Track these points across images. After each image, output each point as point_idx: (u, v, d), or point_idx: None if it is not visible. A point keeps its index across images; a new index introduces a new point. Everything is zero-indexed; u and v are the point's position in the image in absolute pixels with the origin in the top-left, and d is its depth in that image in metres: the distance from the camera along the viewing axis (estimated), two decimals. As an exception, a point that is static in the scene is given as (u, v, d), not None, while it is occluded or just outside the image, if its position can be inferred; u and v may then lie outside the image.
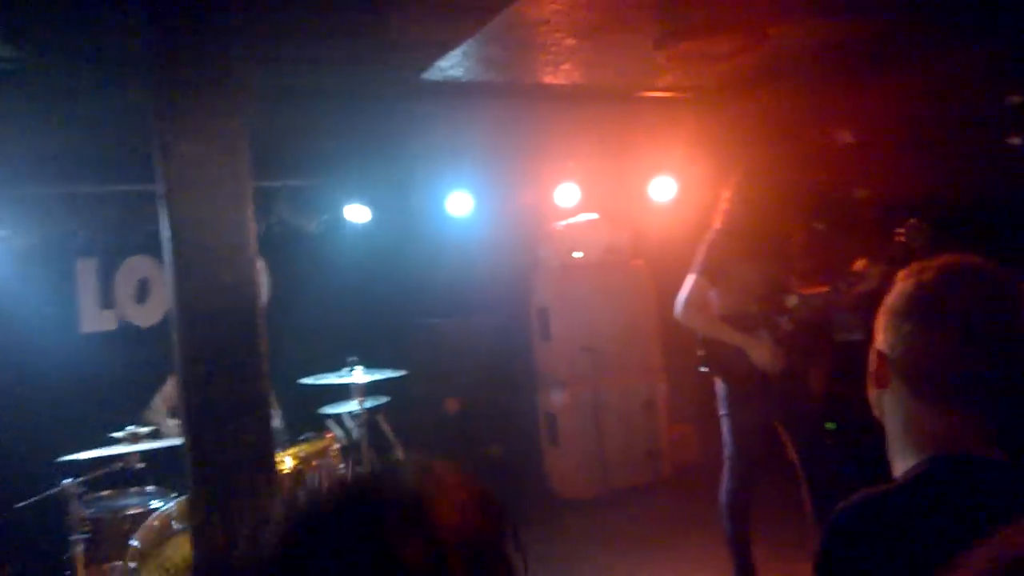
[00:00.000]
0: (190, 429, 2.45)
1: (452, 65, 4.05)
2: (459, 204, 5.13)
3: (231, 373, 2.33)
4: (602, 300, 5.37)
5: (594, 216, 5.54)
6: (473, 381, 5.32)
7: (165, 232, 2.45)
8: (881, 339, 1.23)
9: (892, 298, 1.23)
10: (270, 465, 2.47)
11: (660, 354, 5.48)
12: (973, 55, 4.27)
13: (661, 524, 4.75)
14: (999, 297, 1.15)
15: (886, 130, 5.06)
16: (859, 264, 3.37)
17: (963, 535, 1.04)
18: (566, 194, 5.31)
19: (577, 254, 5.44)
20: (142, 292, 4.81)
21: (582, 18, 3.51)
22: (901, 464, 1.21)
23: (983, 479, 1.14)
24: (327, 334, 4.76)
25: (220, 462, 2.32)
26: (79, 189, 4.30)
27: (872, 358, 1.24)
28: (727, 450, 3.56)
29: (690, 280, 3.59)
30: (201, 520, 2.41)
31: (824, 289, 3.48)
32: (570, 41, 3.80)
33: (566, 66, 4.16)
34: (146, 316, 4.80)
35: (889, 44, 4.13)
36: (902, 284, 1.23)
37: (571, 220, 5.53)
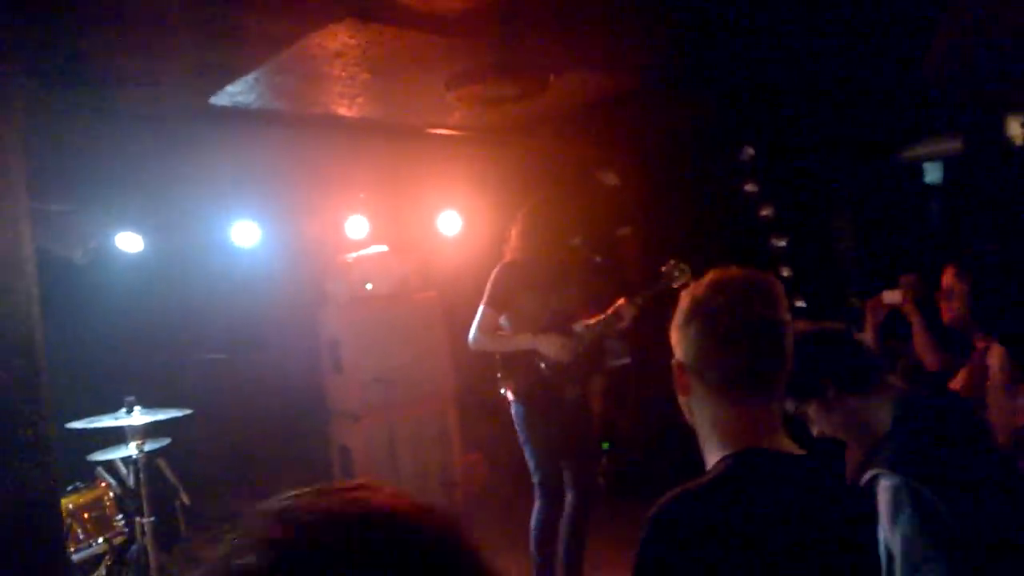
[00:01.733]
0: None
1: (242, 91, 3.97)
2: (245, 234, 4.95)
3: (8, 417, 2.10)
4: (393, 332, 5.43)
5: (384, 248, 5.62)
6: (262, 417, 5.11)
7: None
8: (677, 351, 1.42)
9: (677, 313, 1.43)
10: (57, 518, 2.23)
11: (452, 384, 5.64)
12: (712, 111, 5.00)
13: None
14: (751, 296, 1.37)
15: (645, 174, 5.72)
16: (619, 303, 3.74)
17: (761, 525, 1.24)
18: (356, 226, 5.34)
19: (368, 286, 5.47)
20: None
21: (376, 54, 3.63)
22: (712, 461, 1.37)
23: (771, 472, 1.32)
24: (98, 373, 4.35)
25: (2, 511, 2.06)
26: None
27: (674, 370, 1.42)
28: (535, 477, 3.72)
29: (479, 311, 3.79)
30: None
31: (599, 318, 3.80)
32: (364, 75, 3.90)
33: (359, 100, 4.25)
34: None
35: (650, 97, 4.71)
36: (682, 300, 1.44)
37: (361, 252, 5.56)
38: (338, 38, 3.39)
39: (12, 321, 2.16)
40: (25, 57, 2.51)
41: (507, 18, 3.34)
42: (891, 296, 3.48)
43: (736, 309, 1.36)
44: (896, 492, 1.63)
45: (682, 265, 3.73)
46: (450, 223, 5.59)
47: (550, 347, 3.65)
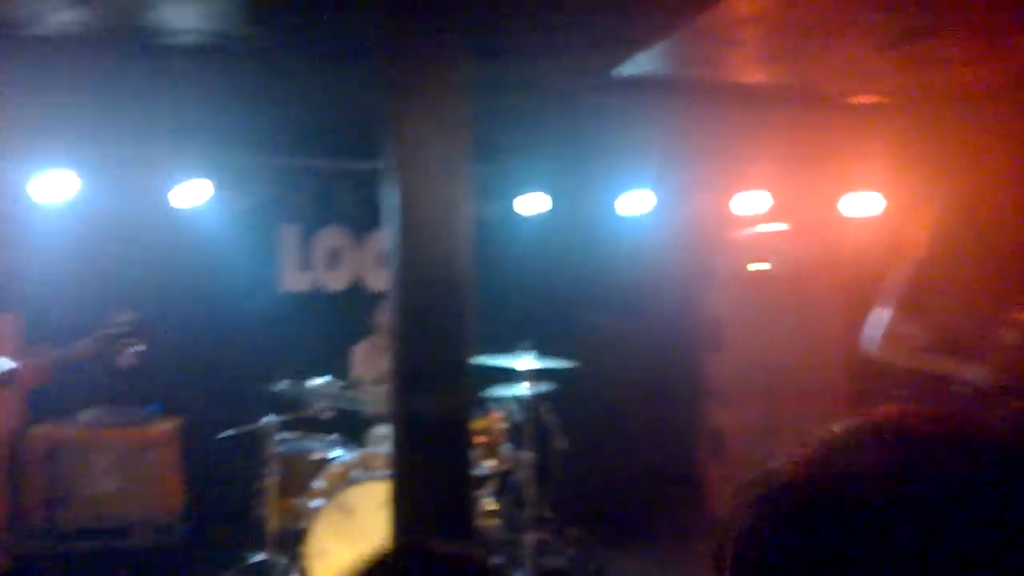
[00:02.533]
0: (397, 388, 2.60)
1: (649, 60, 4.01)
2: (639, 203, 5.06)
3: (439, 338, 2.47)
4: (783, 317, 5.10)
5: (782, 226, 5.28)
6: (640, 383, 5.25)
7: (394, 206, 2.62)
8: None
9: None
10: (467, 432, 2.61)
11: (845, 379, 5.10)
12: None
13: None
14: None
15: None
16: None
17: None
18: (755, 201, 5.09)
19: (760, 265, 5.20)
20: (333, 260, 5.21)
21: (798, 16, 3.35)
22: None
23: None
24: (502, 318, 4.87)
25: (423, 423, 2.46)
26: (293, 162, 4.68)
27: None
28: None
29: (883, 312, 3.34)
30: (404, 477, 2.55)
31: None
32: (782, 40, 3.64)
33: (775, 65, 4.00)
34: (336, 281, 5.20)
35: None
36: None
37: (756, 229, 5.31)
38: (756, 1, 3.21)
39: (451, 261, 2.52)
40: (473, 40, 2.85)
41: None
42: None
43: None
44: None
45: None
46: (861, 204, 5.02)
47: (977, 370, 3.10)
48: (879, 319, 3.35)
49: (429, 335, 2.48)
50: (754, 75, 4.22)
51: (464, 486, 2.63)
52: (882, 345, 3.34)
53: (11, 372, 3.36)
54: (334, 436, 4.11)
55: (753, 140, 4.91)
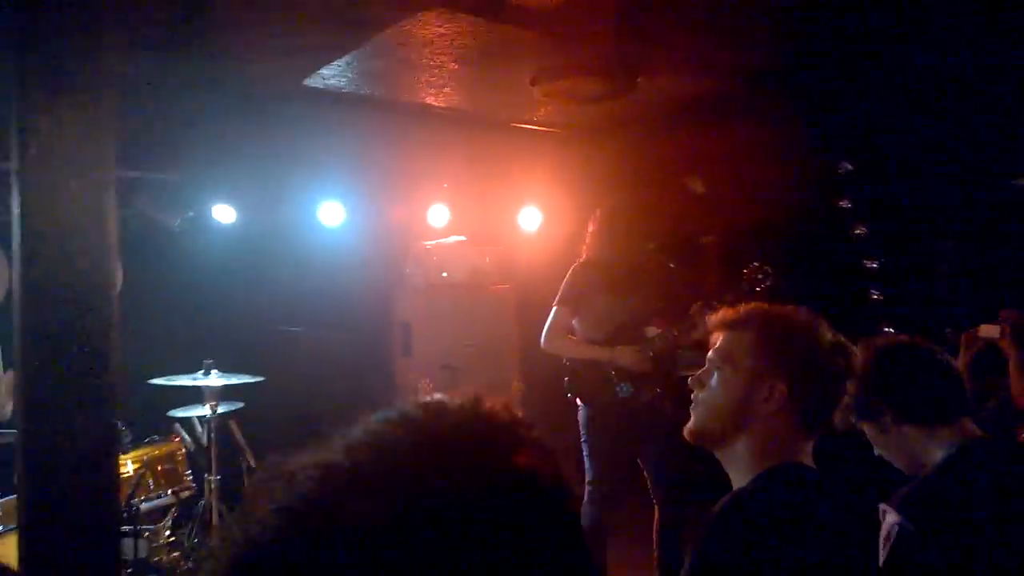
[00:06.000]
0: (25, 421, 2.30)
1: (335, 75, 4.09)
2: (330, 214, 5.11)
3: (76, 363, 2.23)
4: (465, 320, 5.49)
5: (462, 238, 5.68)
6: (331, 392, 5.26)
7: (15, 210, 2.33)
8: None
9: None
10: (111, 467, 2.35)
11: (517, 377, 5.65)
12: (815, 120, 4.81)
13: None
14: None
15: (732, 182, 5.55)
16: (693, 309, 3.65)
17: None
18: (437, 215, 5.42)
19: (444, 274, 5.54)
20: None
21: (465, 44, 3.67)
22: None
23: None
24: (182, 335, 4.58)
25: (55, 461, 2.19)
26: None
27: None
28: (588, 474, 3.69)
29: (553, 311, 3.78)
30: (30, 522, 2.26)
31: (674, 326, 3.72)
32: (453, 65, 3.94)
33: (447, 89, 4.30)
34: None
35: (739, 103, 4.57)
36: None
37: (440, 240, 5.64)
38: (428, 26, 3.45)
39: (88, 278, 2.29)
40: (131, 29, 2.65)
41: (595, 16, 3.31)
42: (988, 330, 3.26)
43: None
44: (890, 528, 1.58)
45: (766, 269, 3.62)
46: (530, 218, 5.59)
47: (628, 359, 3.61)
48: (550, 316, 3.78)
49: (60, 358, 2.22)
50: (436, 97, 4.49)
51: (108, 529, 2.36)
52: (548, 340, 3.77)
53: None
54: None
55: (438, 157, 5.24)
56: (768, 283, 3.64)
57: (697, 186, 5.78)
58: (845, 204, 5.24)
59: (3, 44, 2.35)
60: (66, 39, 2.33)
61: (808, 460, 1.45)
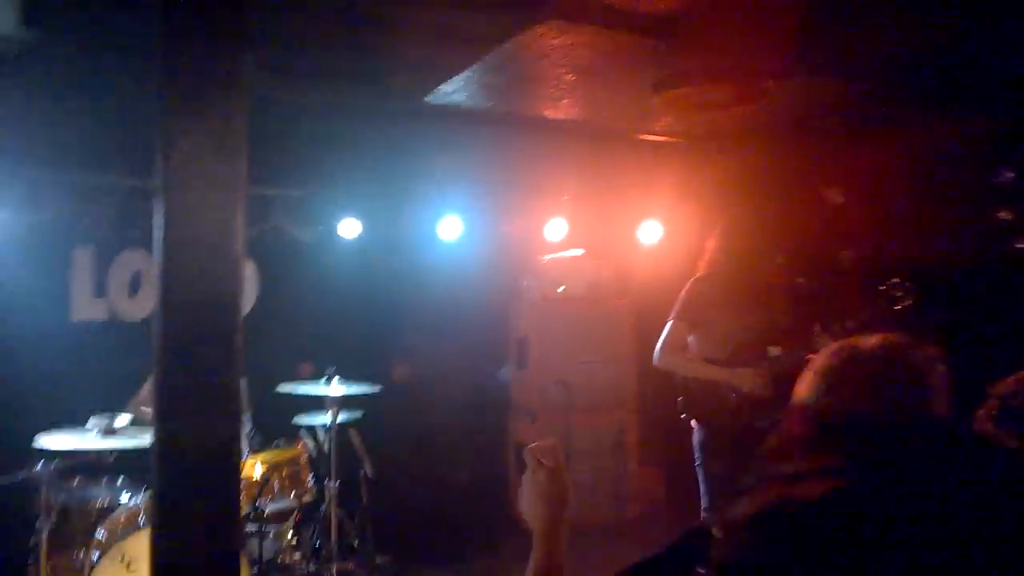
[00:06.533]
0: (160, 420, 2.45)
1: (455, 90, 4.14)
2: (449, 228, 5.19)
3: (203, 364, 2.35)
4: (581, 335, 5.42)
5: (580, 252, 5.62)
6: (449, 404, 5.33)
7: (158, 224, 2.49)
8: None
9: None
10: (235, 464, 2.46)
11: (635, 394, 5.51)
12: (968, 125, 4.41)
13: (623, 565, 4.73)
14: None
15: (875, 194, 5.18)
16: (814, 329, 3.42)
17: None
18: (555, 228, 5.39)
19: (561, 288, 5.49)
20: (134, 285, 4.84)
21: (582, 56, 3.61)
22: None
23: None
24: (309, 344, 4.78)
25: (185, 456, 2.32)
26: (81, 178, 4.32)
27: None
28: (703, 501, 3.55)
29: (668, 325, 3.65)
30: (161, 518, 2.40)
31: (800, 346, 3.49)
32: (570, 77, 3.90)
33: (565, 101, 4.27)
34: (136, 310, 4.82)
35: (882, 108, 4.26)
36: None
37: (558, 254, 5.60)
38: (543, 39, 3.42)
39: (218, 285, 2.42)
40: (256, 48, 2.80)
41: (718, 19, 3.17)
42: None
43: None
44: None
45: (906, 285, 3.34)
46: (650, 232, 5.46)
47: (745, 380, 3.44)
48: (664, 331, 3.66)
49: (191, 361, 2.36)
50: (554, 110, 4.47)
51: (229, 521, 2.47)
52: (662, 356, 3.64)
53: None
54: (122, 480, 3.74)
55: (557, 170, 5.21)
56: (908, 301, 3.35)
57: (835, 197, 5.45)
58: (1006, 215, 4.77)
59: (146, 69, 2.53)
60: (207, 66, 2.49)
61: None
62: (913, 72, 3.85)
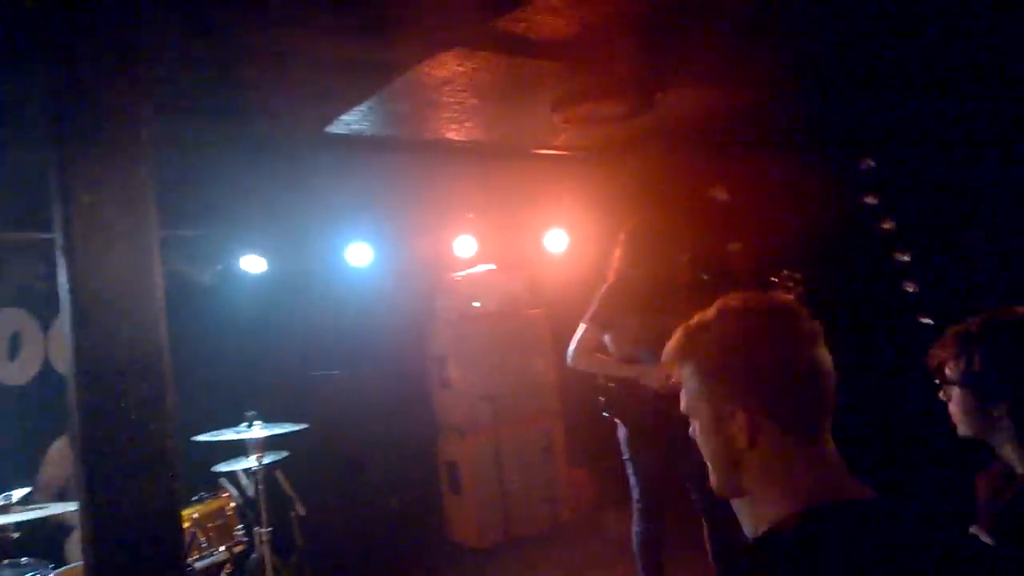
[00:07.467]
0: (87, 491, 2.32)
1: (356, 120, 4.13)
2: (359, 255, 5.13)
3: (136, 431, 2.24)
4: (500, 348, 5.48)
5: (492, 267, 5.68)
6: (375, 431, 5.27)
7: (63, 283, 2.35)
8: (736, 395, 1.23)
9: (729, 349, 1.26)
10: (177, 531, 2.36)
11: (558, 401, 5.62)
12: (831, 123, 4.78)
13: (564, 569, 4.83)
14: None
15: (757, 189, 5.52)
16: None
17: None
18: (464, 245, 5.43)
19: (476, 303, 5.54)
20: (13, 348, 4.50)
21: (483, 80, 3.69)
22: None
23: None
24: (222, 388, 4.60)
25: (122, 528, 2.20)
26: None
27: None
28: (634, 493, 3.67)
29: (581, 328, 3.75)
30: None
31: None
32: (472, 101, 3.97)
33: (468, 124, 4.33)
34: (17, 374, 4.49)
35: (760, 113, 4.55)
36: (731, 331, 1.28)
37: (469, 271, 5.64)
38: (446, 66, 3.47)
39: (140, 344, 2.31)
40: (153, 92, 2.70)
41: (610, 40, 3.31)
42: None
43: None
44: None
45: (795, 275, 3.57)
46: (557, 241, 5.59)
47: (651, 376, 3.57)
48: (577, 333, 3.75)
49: (117, 430, 2.24)
50: (457, 132, 4.51)
51: None
52: (575, 357, 3.74)
53: None
54: (26, 560, 3.43)
55: (462, 189, 5.26)
56: (800, 289, 3.58)
57: (721, 195, 5.76)
58: (870, 200, 5.20)
59: (41, 120, 2.40)
60: (101, 117, 2.37)
61: (831, 470, 1.16)
62: (788, 82, 4.14)
